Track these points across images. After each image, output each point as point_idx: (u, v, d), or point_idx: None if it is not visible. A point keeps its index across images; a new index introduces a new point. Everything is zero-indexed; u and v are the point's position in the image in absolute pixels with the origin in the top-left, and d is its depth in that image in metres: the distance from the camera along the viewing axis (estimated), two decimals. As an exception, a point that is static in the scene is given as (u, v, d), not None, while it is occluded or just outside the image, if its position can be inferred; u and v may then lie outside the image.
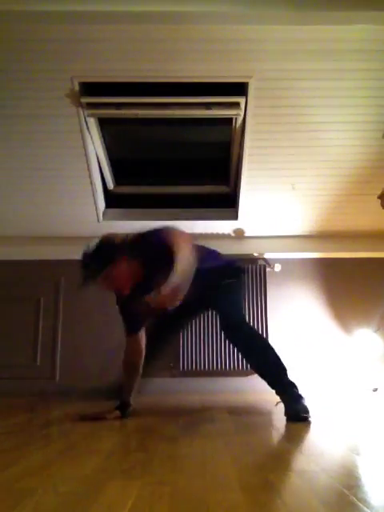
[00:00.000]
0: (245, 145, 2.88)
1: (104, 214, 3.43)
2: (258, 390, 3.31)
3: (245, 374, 3.39)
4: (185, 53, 2.37)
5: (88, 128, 2.82)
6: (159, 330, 2.07)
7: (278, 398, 1.84)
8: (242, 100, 2.63)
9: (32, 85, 2.53)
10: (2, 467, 1.09)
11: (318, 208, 3.37)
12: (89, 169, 3.05)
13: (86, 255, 1.74)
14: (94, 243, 1.72)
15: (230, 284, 1.95)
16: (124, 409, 1.89)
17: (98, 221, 3.42)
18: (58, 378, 3.43)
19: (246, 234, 3.60)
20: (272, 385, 1.84)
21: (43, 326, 3.51)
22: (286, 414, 1.77)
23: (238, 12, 2.09)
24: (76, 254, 3.58)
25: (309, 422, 1.70)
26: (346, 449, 1.30)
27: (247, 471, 1.04)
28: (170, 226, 1.81)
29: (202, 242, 3.56)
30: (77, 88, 2.55)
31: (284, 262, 3.60)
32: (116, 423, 1.86)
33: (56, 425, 1.84)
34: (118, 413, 1.85)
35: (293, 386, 1.82)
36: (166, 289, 1.57)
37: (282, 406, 1.81)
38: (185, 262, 1.64)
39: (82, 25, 2.20)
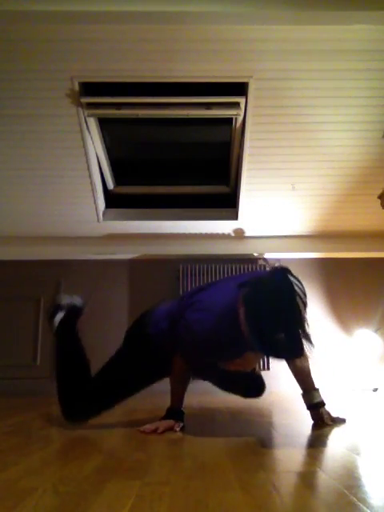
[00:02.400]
0: (245, 145, 2.88)
1: (104, 214, 3.43)
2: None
3: (245, 373, 3.39)
4: (185, 53, 2.38)
5: (88, 128, 2.82)
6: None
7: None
8: (241, 100, 2.63)
9: (32, 85, 2.53)
10: (2, 467, 1.09)
11: (317, 208, 3.37)
12: (89, 169, 3.05)
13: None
14: None
15: None
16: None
17: (98, 221, 3.42)
18: (58, 377, 3.43)
19: (246, 234, 3.60)
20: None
21: (43, 325, 3.51)
22: None
23: (237, 12, 2.09)
24: (76, 254, 3.63)
25: None
26: (346, 449, 1.30)
27: (247, 471, 1.04)
28: None
29: (201, 242, 3.59)
30: (77, 88, 2.55)
31: (284, 262, 3.58)
32: (115, 423, 1.86)
33: (56, 425, 1.84)
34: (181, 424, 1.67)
35: None
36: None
37: None
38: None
39: (81, 25, 2.20)
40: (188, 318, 1.61)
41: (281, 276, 1.46)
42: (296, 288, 1.43)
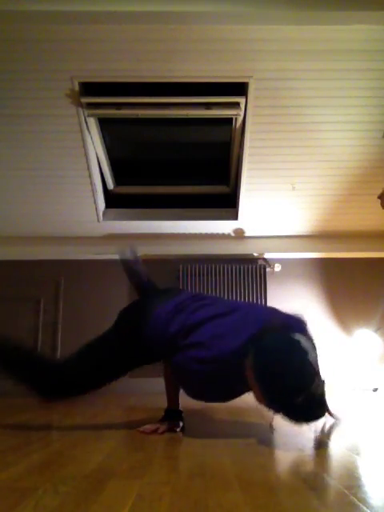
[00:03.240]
0: (245, 145, 2.88)
1: (104, 214, 3.43)
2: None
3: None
4: (185, 53, 2.37)
5: (88, 128, 2.82)
6: None
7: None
8: (241, 100, 2.63)
9: (32, 85, 2.53)
10: (3, 467, 1.09)
11: (318, 208, 3.37)
12: (89, 169, 3.05)
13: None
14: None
15: None
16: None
17: (98, 221, 3.42)
18: (58, 377, 3.43)
19: (246, 234, 3.60)
20: None
21: (43, 326, 3.51)
22: None
23: (238, 12, 2.09)
24: (76, 254, 3.62)
25: None
26: (346, 449, 1.30)
27: (247, 471, 1.04)
28: None
29: (201, 242, 3.59)
30: (77, 88, 2.55)
31: (284, 262, 3.60)
32: (115, 423, 1.86)
33: (56, 425, 1.84)
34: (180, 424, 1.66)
35: None
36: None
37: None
38: None
39: (81, 25, 2.20)
40: (189, 365, 1.50)
41: (285, 337, 1.41)
42: (304, 345, 1.38)
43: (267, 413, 1.46)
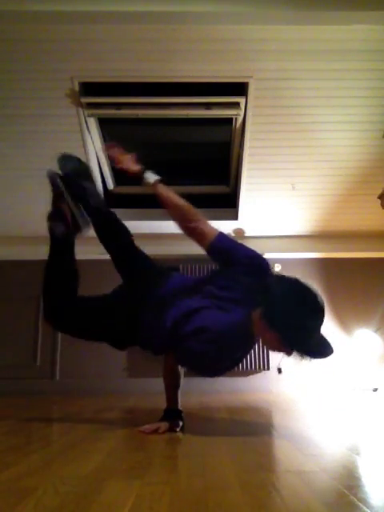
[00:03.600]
0: (245, 145, 2.88)
1: (104, 213, 3.43)
2: (258, 390, 3.32)
3: (245, 374, 3.39)
4: (185, 53, 2.37)
5: (88, 128, 2.82)
6: None
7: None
8: (241, 100, 2.63)
9: (32, 85, 2.53)
10: (2, 467, 1.09)
11: (317, 208, 3.37)
12: (89, 169, 3.05)
13: None
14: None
15: None
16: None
17: (98, 221, 3.41)
18: (57, 377, 3.43)
19: (246, 234, 3.60)
20: None
21: (43, 325, 3.51)
22: None
23: (237, 12, 2.09)
24: (76, 253, 3.61)
25: None
26: (346, 449, 1.30)
27: (247, 471, 1.04)
28: None
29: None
30: (77, 88, 2.55)
31: (284, 262, 3.60)
32: (115, 423, 1.86)
33: (56, 425, 1.84)
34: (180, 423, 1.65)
35: None
36: None
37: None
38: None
39: (81, 25, 2.20)
40: (197, 348, 1.50)
41: (292, 280, 1.48)
42: (313, 289, 1.44)
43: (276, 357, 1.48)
